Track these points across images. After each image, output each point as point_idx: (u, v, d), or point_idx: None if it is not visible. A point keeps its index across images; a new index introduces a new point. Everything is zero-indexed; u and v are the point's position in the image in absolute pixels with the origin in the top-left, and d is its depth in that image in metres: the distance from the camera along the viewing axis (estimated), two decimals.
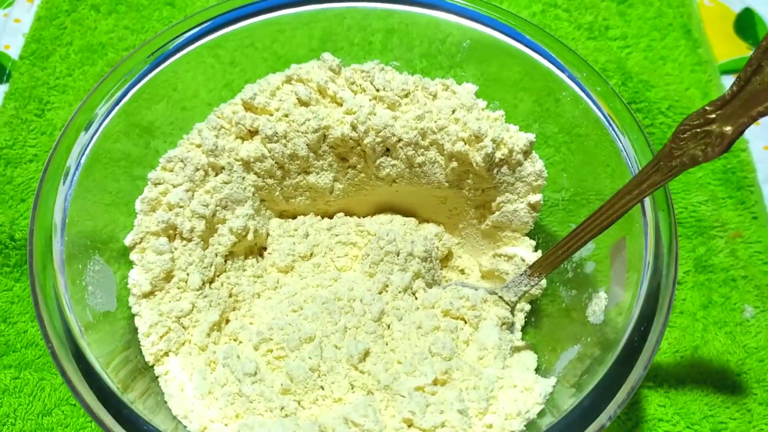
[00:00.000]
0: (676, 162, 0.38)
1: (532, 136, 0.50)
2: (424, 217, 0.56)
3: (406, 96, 0.50)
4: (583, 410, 0.35)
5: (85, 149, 0.46)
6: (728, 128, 0.35)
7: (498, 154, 0.49)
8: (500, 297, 0.47)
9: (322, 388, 0.42)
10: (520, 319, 0.51)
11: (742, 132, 0.35)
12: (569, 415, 0.35)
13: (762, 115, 0.34)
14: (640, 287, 0.39)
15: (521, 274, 0.46)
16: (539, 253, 0.51)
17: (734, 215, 0.60)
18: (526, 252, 0.52)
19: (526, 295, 0.50)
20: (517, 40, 0.53)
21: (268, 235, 0.53)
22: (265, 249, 0.53)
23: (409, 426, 0.39)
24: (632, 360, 0.36)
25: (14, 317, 0.54)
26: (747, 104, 0.34)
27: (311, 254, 0.52)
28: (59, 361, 0.35)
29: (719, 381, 0.52)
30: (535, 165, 0.50)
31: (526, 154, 0.50)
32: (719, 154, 0.36)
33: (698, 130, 0.37)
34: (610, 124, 0.49)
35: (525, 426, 0.40)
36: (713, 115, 0.36)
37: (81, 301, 0.40)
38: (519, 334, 0.50)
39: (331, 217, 0.55)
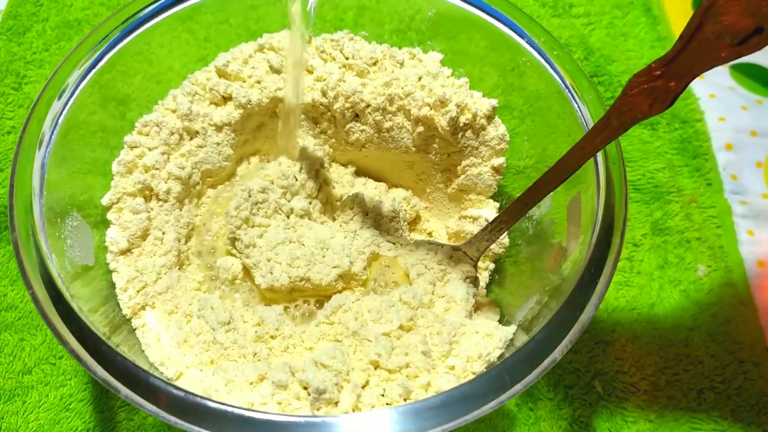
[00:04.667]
0: (625, 117, 0.40)
1: (494, 101, 0.52)
2: (393, 183, 0.58)
3: (375, 64, 0.52)
4: (536, 344, 0.37)
5: (59, 116, 0.46)
6: (673, 84, 0.37)
7: (462, 119, 0.51)
8: (464, 252, 0.49)
9: (292, 336, 0.44)
10: (484, 278, 0.53)
11: (686, 86, 0.37)
12: (523, 348, 0.37)
13: (703, 70, 0.37)
14: (592, 234, 0.42)
15: (483, 230, 0.48)
16: None
17: (690, 182, 0.63)
18: (491, 214, 0.54)
19: (491, 254, 0.53)
20: (485, 12, 0.54)
21: None
22: None
23: (375, 368, 0.41)
24: (584, 299, 0.39)
25: None
26: (689, 61, 0.37)
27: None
28: (39, 304, 0.37)
29: (674, 335, 0.55)
30: (498, 129, 0.52)
31: (489, 118, 0.52)
32: (665, 109, 0.39)
33: (645, 86, 0.39)
34: (572, 96, 0.51)
35: (485, 368, 0.42)
36: (659, 72, 0.38)
37: (60, 252, 0.41)
38: (484, 292, 0.52)
39: None
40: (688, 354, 0.54)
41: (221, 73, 0.51)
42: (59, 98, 0.46)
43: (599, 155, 0.45)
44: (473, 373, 0.42)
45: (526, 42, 0.53)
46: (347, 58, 0.52)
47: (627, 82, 0.40)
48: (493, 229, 0.48)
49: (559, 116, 0.52)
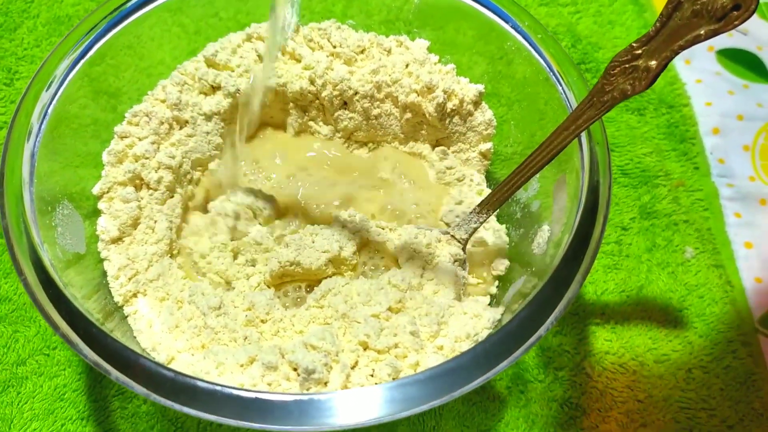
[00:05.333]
0: (607, 97, 0.41)
1: (481, 87, 0.52)
2: None
3: (362, 52, 0.53)
4: (521, 321, 0.38)
5: (48, 107, 0.46)
6: (653, 62, 0.38)
7: (449, 105, 0.52)
8: (452, 236, 0.50)
9: (282, 320, 0.45)
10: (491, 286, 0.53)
11: (666, 65, 0.38)
12: (508, 325, 0.37)
13: (683, 48, 0.37)
14: (576, 213, 0.42)
15: (470, 213, 0.49)
16: None
17: (677, 166, 0.63)
18: (479, 198, 0.54)
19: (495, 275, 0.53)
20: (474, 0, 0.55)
21: None
22: None
23: (365, 349, 0.41)
24: (568, 276, 0.39)
25: None
26: (669, 39, 0.37)
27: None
28: (30, 289, 0.37)
29: (662, 317, 0.56)
30: (485, 114, 0.53)
31: (476, 104, 0.53)
32: (646, 87, 0.39)
33: (627, 66, 0.39)
34: (559, 83, 0.52)
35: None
36: (639, 51, 0.39)
37: (51, 241, 0.42)
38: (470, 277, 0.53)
39: None
40: (677, 335, 0.55)
41: (210, 63, 0.52)
42: (47, 89, 0.47)
43: (583, 137, 0.45)
44: (461, 352, 0.42)
45: (514, 29, 0.53)
46: (335, 47, 0.53)
47: (609, 62, 0.40)
48: (480, 212, 0.48)
49: (546, 103, 0.53)
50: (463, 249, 0.50)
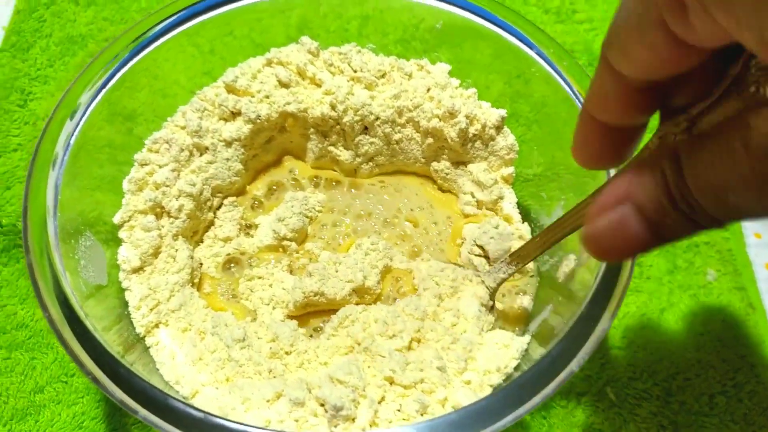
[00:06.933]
0: None
1: (503, 112, 0.52)
2: None
3: (383, 76, 0.53)
4: (552, 359, 0.37)
5: (71, 137, 0.47)
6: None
7: (471, 130, 0.51)
8: (482, 281, 0.49)
9: (307, 352, 0.44)
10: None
11: None
12: (539, 363, 0.37)
13: None
14: None
15: (501, 262, 0.48)
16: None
17: None
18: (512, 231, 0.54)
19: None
20: (489, 21, 0.54)
21: None
22: None
23: (390, 383, 0.41)
24: (599, 312, 0.39)
25: (3, 300, 0.55)
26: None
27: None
28: (56, 327, 0.37)
29: (684, 340, 0.55)
30: (507, 139, 0.52)
31: (498, 128, 0.52)
32: None
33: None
34: (579, 101, 0.52)
35: (503, 380, 0.42)
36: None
37: (74, 272, 0.42)
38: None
39: None
40: (700, 359, 0.55)
41: (230, 89, 0.52)
42: (71, 118, 0.47)
43: (613, 171, 0.45)
44: (490, 386, 0.42)
45: (530, 48, 0.53)
46: (355, 71, 0.52)
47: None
48: (510, 263, 0.47)
49: (566, 122, 0.52)
50: (491, 296, 0.49)
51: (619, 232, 0.26)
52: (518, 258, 0.47)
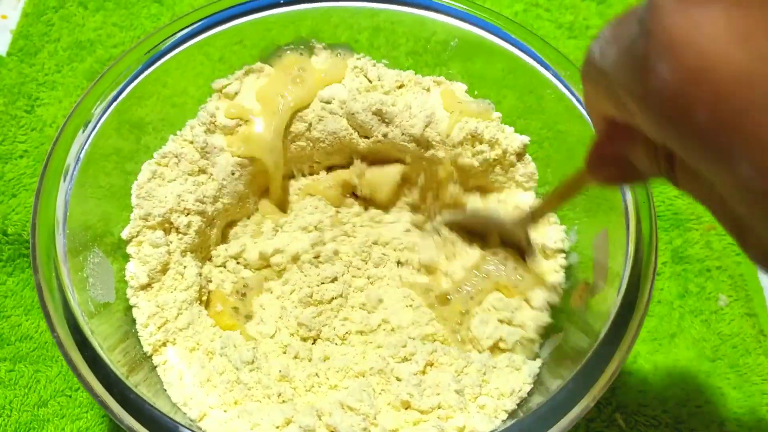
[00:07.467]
0: None
1: (526, 139, 0.51)
2: None
3: (401, 87, 0.52)
4: (568, 392, 0.37)
5: (83, 148, 0.46)
6: None
7: (492, 154, 0.51)
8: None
9: (317, 375, 0.44)
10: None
11: None
12: (556, 396, 0.37)
13: None
14: (622, 277, 0.41)
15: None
16: None
17: None
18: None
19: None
20: (502, 38, 0.54)
21: None
22: None
23: (406, 408, 0.41)
24: (614, 345, 0.38)
25: (8, 311, 0.55)
26: None
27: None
28: (65, 350, 0.36)
29: (695, 367, 0.55)
30: (527, 167, 0.52)
31: (520, 156, 0.52)
32: None
33: None
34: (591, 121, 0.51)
35: (517, 405, 0.42)
36: None
37: (83, 292, 0.41)
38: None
39: None
40: (710, 386, 0.54)
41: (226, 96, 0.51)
42: (83, 130, 0.46)
43: (628, 194, 0.44)
44: (505, 411, 0.41)
45: (545, 69, 0.52)
46: (371, 81, 0.52)
47: None
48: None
49: (579, 140, 0.52)
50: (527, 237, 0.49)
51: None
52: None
